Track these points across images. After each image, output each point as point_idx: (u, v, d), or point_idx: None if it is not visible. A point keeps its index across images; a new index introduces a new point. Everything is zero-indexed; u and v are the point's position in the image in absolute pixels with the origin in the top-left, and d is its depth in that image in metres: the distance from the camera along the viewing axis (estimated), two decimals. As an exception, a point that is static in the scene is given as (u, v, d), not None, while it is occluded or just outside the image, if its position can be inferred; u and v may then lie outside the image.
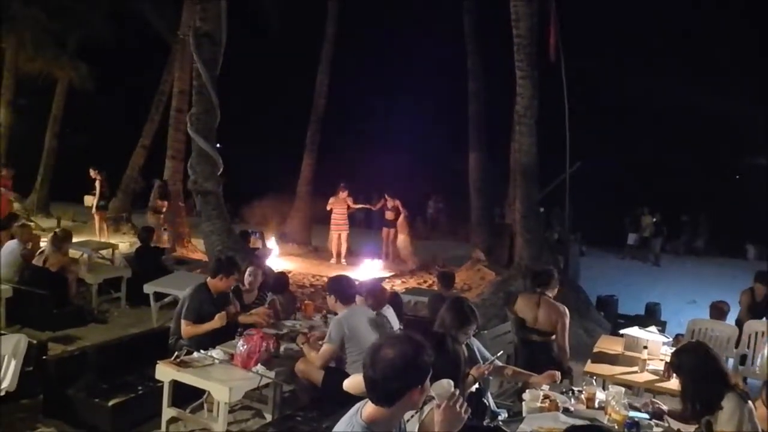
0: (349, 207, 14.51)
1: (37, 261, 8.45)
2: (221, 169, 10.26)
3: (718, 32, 18.93)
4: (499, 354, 4.54)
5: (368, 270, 12.88)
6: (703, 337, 6.85)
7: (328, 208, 14.42)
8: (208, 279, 5.90)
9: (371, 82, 21.46)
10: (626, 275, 15.57)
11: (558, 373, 4.62)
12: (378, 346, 2.50)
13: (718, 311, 7.47)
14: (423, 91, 20.51)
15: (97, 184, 14.36)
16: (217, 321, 5.60)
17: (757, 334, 6.98)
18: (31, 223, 12.61)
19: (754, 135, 21.23)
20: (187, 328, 5.55)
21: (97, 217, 14.29)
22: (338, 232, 14.38)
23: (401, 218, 14.40)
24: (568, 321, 5.91)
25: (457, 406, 2.54)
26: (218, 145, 10.46)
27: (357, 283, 5.58)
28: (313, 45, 16.65)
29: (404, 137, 21.38)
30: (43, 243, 9.53)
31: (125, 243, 13.43)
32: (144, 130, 17.34)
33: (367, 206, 15.54)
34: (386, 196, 14.66)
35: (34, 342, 5.46)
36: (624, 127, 21.53)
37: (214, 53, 10.20)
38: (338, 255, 14.28)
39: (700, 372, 3.66)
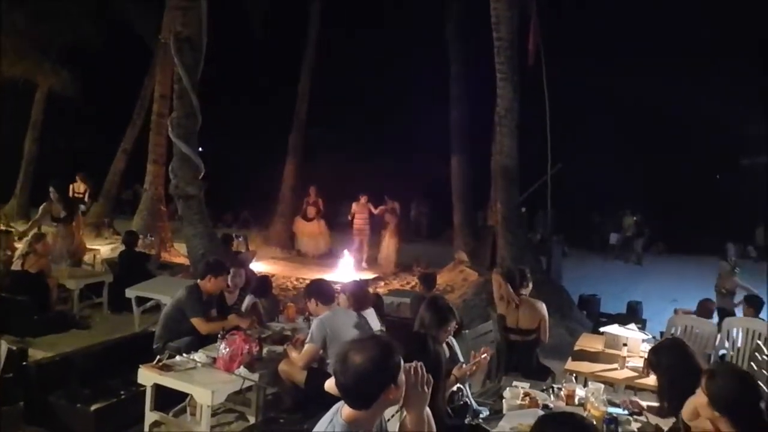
0: (371, 212, 14.58)
1: (15, 266, 8.41)
2: (203, 174, 10.24)
3: (701, 32, 19.11)
4: (483, 356, 4.57)
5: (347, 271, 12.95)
6: (683, 334, 6.94)
7: (350, 216, 14.68)
8: (198, 281, 5.91)
9: (353, 86, 21.47)
10: (608, 275, 15.70)
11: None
12: (345, 352, 2.51)
13: (706, 310, 7.54)
14: (405, 96, 20.56)
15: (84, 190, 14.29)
16: (236, 320, 5.82)
17: (735, 331, 7.08)
18: (12, 230, 12.49)
19: (737, 136, 21.47)
20: (203, 325, 5.63)
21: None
22: (360, 238, 14.52)
23: (394, 222, 14.48)
24: (547, 316, 6.04)
25: (417, 379, 2.56)
26: (200, 149, 10.45)
27: (339, 285, 5.62)
28: (296, 49, 16.68)
29: (386, 141, 21.44)
30: (18, 245, 9.47)
31: (107, 248, 13.35)
32: (125, 135, 17.26)
33: (389, 207, 15.14)
34: (387, 199, 14.72)
35: (15, 348, 5.42)
36: (605, 129, 21.66)
37: (195, 58, 10.18)
38: (359, 261, 14.31)
39: (677, 369, 3.72)
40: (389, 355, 2.48)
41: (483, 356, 4.54)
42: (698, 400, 3.05)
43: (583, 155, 18.90)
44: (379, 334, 2.68)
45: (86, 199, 14.38)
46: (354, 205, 14.58)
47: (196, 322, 5.65)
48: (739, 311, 8.38)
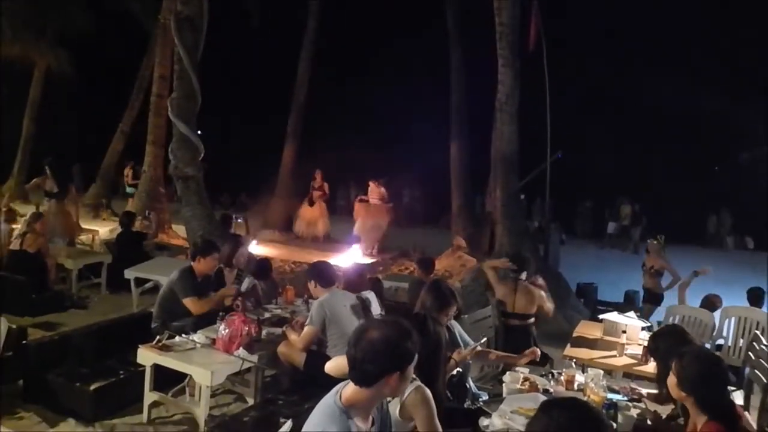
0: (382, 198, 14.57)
1: (14, 245, 8.40)
2: (202, 155, 10.19)
3: (704, 26, 19.09)
4: (482, 340, 4.58)
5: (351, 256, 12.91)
6: (681, 323, 6.93)
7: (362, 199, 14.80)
8: (192, 263, 5.91)
9: (351, 71, 21.41)
10: (606, 263, 15.72)
11: (538, 351, 4.70)
12: (365, 326, 2.54)
13: (710, 304, 7.51)
14: (403, 81, 20.48)
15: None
16: (225, 293, 5.93)
17: (733, 320, 7.07)
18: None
19: (738, 129, 21.45)
20: (195, 305, 5.64)
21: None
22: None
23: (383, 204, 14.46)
24: (545, 295, 6.19)
25: None
26: (199, 132, 10.41)
27: (338, 268, 5.62)
28: (295, 35, 16.59)
29: (384, 126, 21.39)
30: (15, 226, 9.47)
31: (105, 229, 13.33)
32: (124, 116, 17.19)
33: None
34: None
35: (14, 327, 5.42)
36: (605, 118, 21.65)
37: (196, 38, 10.11)
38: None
39: (675, 355, 3.72)
40: (404, 340, 2.48)
41: (483, 340, 4.56)
42: (670, 380, 3.10)
43: (582, 144, 18.87)
44: (402, 320, 2.65)
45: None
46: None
47: (187, 302, 5.65)
48: (670, 295, 8.27)
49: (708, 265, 8.12)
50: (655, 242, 8.98)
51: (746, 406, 5.20)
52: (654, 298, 8.57)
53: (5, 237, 9.18)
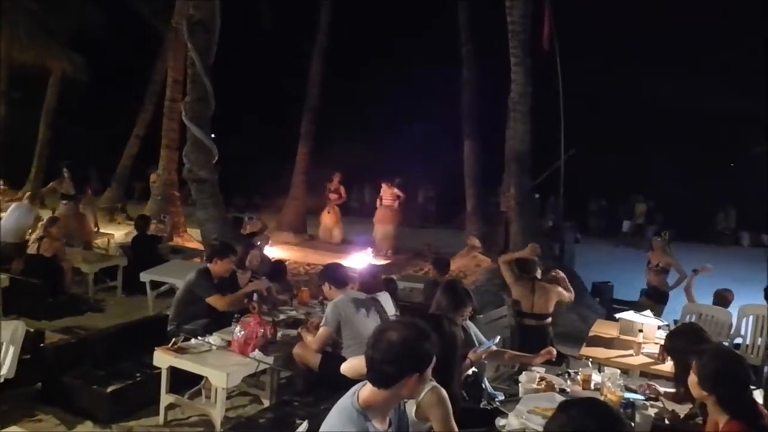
0: (398, 197, 14.50)
1: (31, 249, 8.47)
2: (216, 158, 10.22)
3: (718, 23, 18.92)
4: (496, 339, 4.56)
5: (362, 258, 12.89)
6: (698, 322, 6.88)
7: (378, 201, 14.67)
8: (208, 264, 5.93)
9: (363, 71, 21.39)
10: (620, 262, 15.60)
11: (554, 351, 4.68)
12: (384, 327, 2.55)
13: (722, 299, 7.45)
14: (415, 80, 20.44)
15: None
16: (256, 284, 6.02)
17: (751, 318, 7.01)
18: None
19: (753, 126, 21.27)
20: (220, 302, 5.65)
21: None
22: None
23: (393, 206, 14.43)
24: (562, 290, 6.15)
25: None
26: (212, 136, 10.44)
27: (352, 270, 5.62)
28: (308, 34, 16.57)
29: (396, 126, 21.34)
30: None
31: (120, 232, 13.40)
32: (138, 120, 17.27)
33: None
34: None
35: (32, 330, 5.45)
36: (619, 115, 21.49)
37: (208, 41, 10.14)
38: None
39: (693, 353, 3.69)
40: (423, 341, 2.48)
41: (497, 339, 4.54)
42: (690, 379, 3.06)
43: (595, 141, 18.76)
44: (420, 321, 2.65)
45: None
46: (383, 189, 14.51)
47: (212, 300, 5.65)
48: (676, 295, 8.17)
49: (719, 263, 8.02)
50: (659, 239, 8.89)
51: (767, 405, 5.15)
52: (659, 297, 8.38)
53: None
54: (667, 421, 3.74)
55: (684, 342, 3.81)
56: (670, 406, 3.95)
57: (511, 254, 6.89)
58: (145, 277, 8.07)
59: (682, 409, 3.84)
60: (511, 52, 10.23)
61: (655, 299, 8.29)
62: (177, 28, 13.16)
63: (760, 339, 6.79)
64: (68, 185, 11.24)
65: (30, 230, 9.62)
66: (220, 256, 5.92)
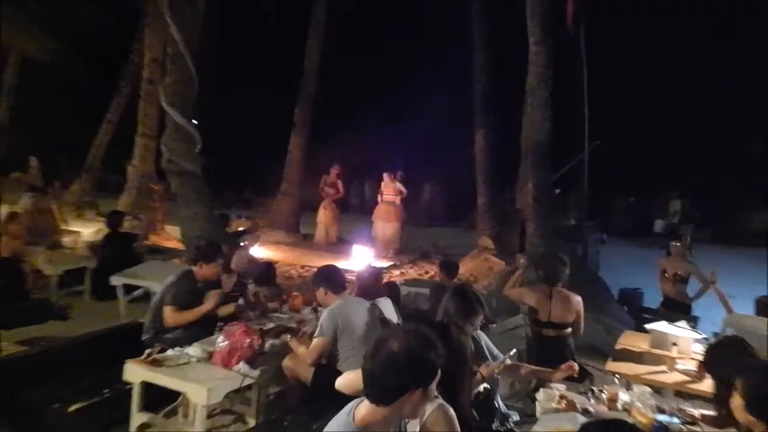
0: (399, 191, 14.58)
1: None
2: (199, 147, 10.14)
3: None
4: (512, 352, 4.51)
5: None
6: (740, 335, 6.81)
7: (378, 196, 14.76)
8: (193, 267, 5.89)
9: (366, 55, 21.40)
10: (651, 267, 15.52)
11: (576, 365, 4.62)
12: (385, 336, 2.51)
13: (765, 307, 7.38)
14: (422, 68, 20.47)
15: None
16: (210, 302, 5.70)
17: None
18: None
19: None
20: (173, 315, 5.58)
21: None
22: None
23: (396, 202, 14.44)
24: (582, 309, 5.99)
25: None
26: (194, 122, 10.37)
27: (351, 273, 5.58)
28: (306, 13, 16.56)
29: (402, 116, 21.34)
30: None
31: (89, 230, 13.35)
32: (111, 105, 17.22)
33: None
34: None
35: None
36: (652, 102, 21.47)
37: (193, 15, 10.05)
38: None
39: (738, 371, 3.63)
40: (428, 352, 2.45)
41: (512, 353, 4.50)
42: (734, 402, 3.01)
43: (623, 131, 18.76)
44: (425, 329, 2.60)
45: None
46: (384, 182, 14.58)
47: (167, 310, 5.59)
48: (712, 304, 8.06)
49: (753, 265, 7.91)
50: (678, 244, 8.71)
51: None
52: (680, 309, 8.25)
53: None
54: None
55: (727, 358, 3.75)
56: (710, 431, 3.89)
57: (512, 282, 6.71)
58: (116, 280, 8.03)
59: (723, 435, 3.79)
60: (529, 31, 10.20)
61: (675, 311, 8.19)
62: (157, 2, 13.12)
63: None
64: (35, 176, 11.17)
65: None
66: (205, 260, 5.89)
